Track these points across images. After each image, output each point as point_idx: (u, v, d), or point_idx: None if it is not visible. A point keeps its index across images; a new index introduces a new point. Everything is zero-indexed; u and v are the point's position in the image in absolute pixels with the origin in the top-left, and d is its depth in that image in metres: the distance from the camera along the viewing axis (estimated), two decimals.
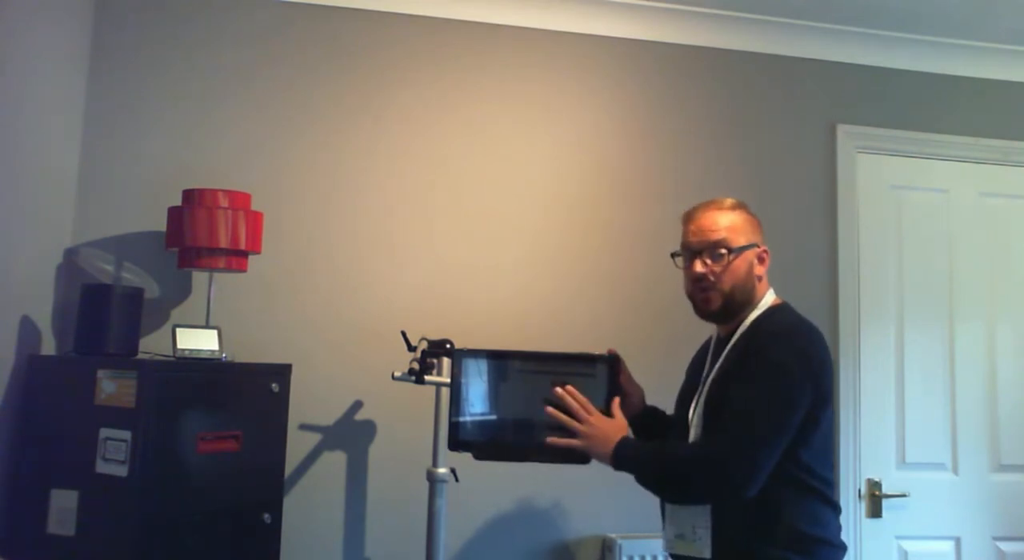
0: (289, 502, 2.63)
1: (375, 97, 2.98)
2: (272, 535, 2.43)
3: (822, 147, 3.29)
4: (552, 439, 1.88)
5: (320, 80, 2.94)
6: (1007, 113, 3.44)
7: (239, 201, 2.59)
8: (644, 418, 2.06)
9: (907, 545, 3.16)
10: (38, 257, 2.51)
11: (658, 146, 3.17)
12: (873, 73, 3.36)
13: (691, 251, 1.92)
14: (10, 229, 2.28)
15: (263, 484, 2.43)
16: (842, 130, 3.29)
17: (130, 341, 2.45)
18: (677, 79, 3.21)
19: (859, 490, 3.13)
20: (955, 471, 3.24)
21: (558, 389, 1.90)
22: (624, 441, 1.84)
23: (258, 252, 2.64)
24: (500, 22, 3.07)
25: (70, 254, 2.70)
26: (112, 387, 2.23)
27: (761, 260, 1.93)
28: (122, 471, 2.17)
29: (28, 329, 2.42)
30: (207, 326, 2.51)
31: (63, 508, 2.21)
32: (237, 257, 2.60)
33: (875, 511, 3.14)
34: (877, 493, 3.14)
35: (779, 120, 3.27)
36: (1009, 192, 3.42)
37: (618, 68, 3.17)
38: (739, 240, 1.89)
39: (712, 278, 1.88)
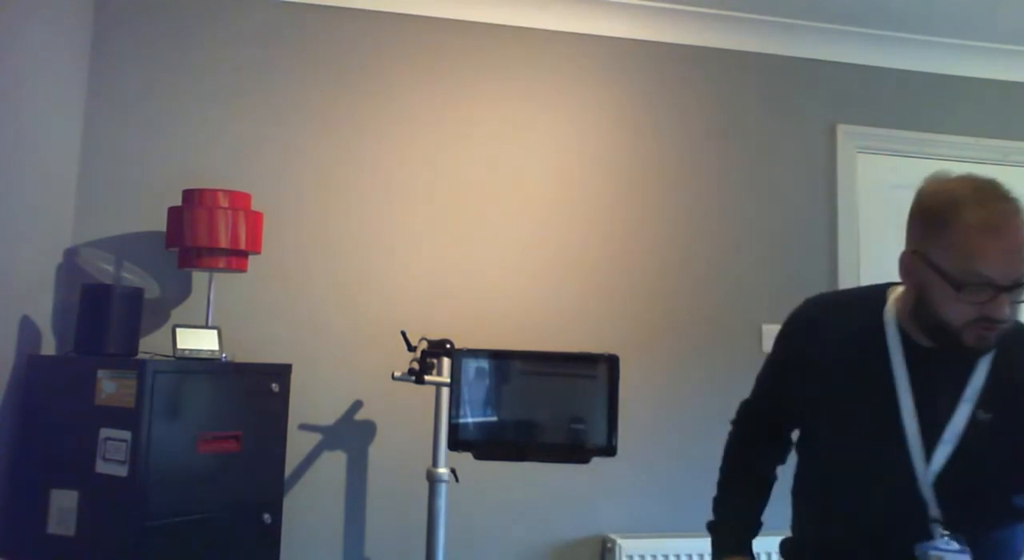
0: (289, 502, 2.64)
1: (375, 97, 2.97)
2: (272, 535, 2.43)
3: (822, 147, 3.29)
4: None
5: (320, 80, 2.94)
6: (1007, 113, 3.44)
7: (239, 201, 2.59)
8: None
9: None
10: (38, 257, 2.51)
11: (658, 146, 3.17)
12: (873, 73, 3.36)
13: (998, 288, 1.34)
14: (10, 229, 2.28)
15: (263, 484, 2.44)
16: (842, 130, 3.29)
17: (130, 341, 2.45)
18: (677, 79, 3.21)
19: None
20: None
21: None
22: None
23: (258, 252, 2.64)
24: (499, 22, 3.07)
25: (70, 254, 2.70)
26: (112, 387, 2.22)
27: None
28: (122, 471, 2.17)
29: (28, 329, 2.42)
30: (207, 326, 2.51)
31: (63, 508, 2.21)
32: (237, 257, 2.60)
33: None
34: None
35: (779, 120, 3.27)
36: None
37: (618, 68, 3.17)
38: None
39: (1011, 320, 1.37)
